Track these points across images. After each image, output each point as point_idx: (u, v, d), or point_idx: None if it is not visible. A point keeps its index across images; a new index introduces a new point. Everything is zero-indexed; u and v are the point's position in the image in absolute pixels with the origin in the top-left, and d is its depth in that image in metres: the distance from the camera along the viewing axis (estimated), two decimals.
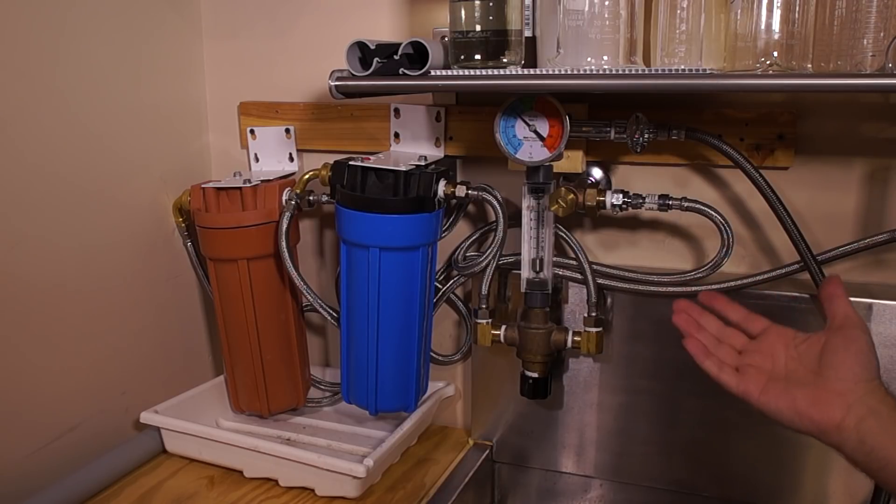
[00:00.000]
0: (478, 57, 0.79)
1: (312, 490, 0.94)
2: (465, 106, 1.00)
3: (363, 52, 0.83)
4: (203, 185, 1.02)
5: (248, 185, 1.00)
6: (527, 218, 0.92)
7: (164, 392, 1.06)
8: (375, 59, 0.81)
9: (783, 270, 0.88)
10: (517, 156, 0.88)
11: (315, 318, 1.18)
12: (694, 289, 0.91)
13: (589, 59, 0.77)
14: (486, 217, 1.05)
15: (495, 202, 0.94)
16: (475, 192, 0.93)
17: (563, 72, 0.76)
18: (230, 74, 1.14)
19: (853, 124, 0.88)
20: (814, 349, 0.69)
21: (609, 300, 0.96)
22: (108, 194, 1.00)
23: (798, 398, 0.66)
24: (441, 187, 0.91)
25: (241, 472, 0.98)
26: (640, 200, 0.88)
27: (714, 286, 0.90)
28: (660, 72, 0.73)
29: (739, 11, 0.72)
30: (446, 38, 0.83)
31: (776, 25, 0.71)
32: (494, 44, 0.79)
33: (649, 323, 0.94)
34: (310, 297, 1.01)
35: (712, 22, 0.75)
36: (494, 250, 0.95)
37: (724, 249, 0.87)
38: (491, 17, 0.78)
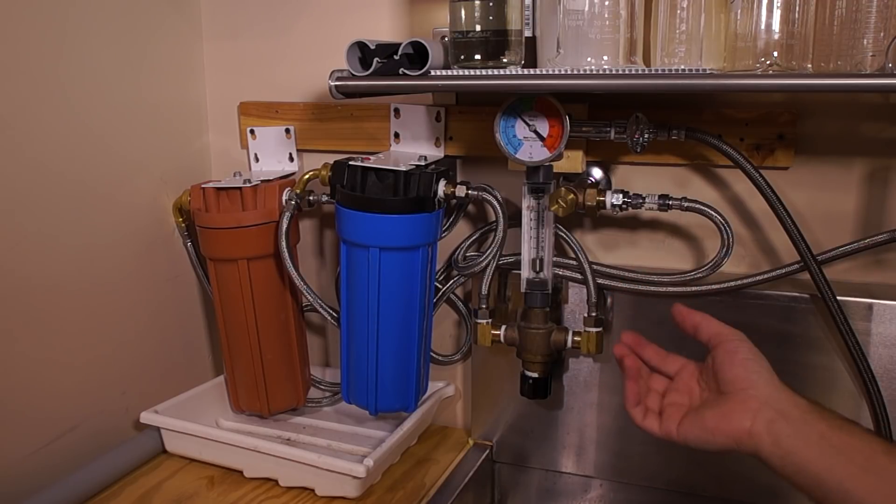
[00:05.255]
0: (478, 57, 0.79)
1: (312, 490, 0.94)
2: (465, 106, 1.00)
3: (363, 52, 0.83)
4: (203, 185, 1.02)
5: (248, 185, 1.00)
6: (527, 218, 0.92)
7: (164, 392, 1.06)
8: (375, 59, 0.81)
9: (783, 270, 0.88)
10: (517, 156, 0.88)
11: (315, 318, 1.18)
12: (694, 289, 0.91)
13: (589, 59, 0.77)
14: (486, 217, 1.05)
15: (495, 202, 0.94)
16: (475, 192, 0.93)
17: (563, 72, 0.76)
18: (230, 74, 1.14)
19: (853, 124, 0.88)
20: (710, 374, 0.70)
21: (609, 300, 0.96)
22: (108, 194, 1.00)
23: (707, 419, 0.67)
24: (441, 187, 0.91)
25: (241, 472, 0.98)
26: (640, 200, 0.88)
27: (714, 286, 0.90)
28: (660, 72, 0.73)
29: (739, 11, 0.72)
30: (446, 38, 0.83)
31: (776, 25, 0.71)
32: (494, 44, 0.79)
33: (649, 323, 0.94)
34: (310, 297, 1.01)
35: (712, 22, 0.75)
36: (494, 250, 0.95)
37: (724, 249, 0.87)
38: (491, 17, 0.78)
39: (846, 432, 0.61)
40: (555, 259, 0.95)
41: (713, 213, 0.87)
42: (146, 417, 1.01)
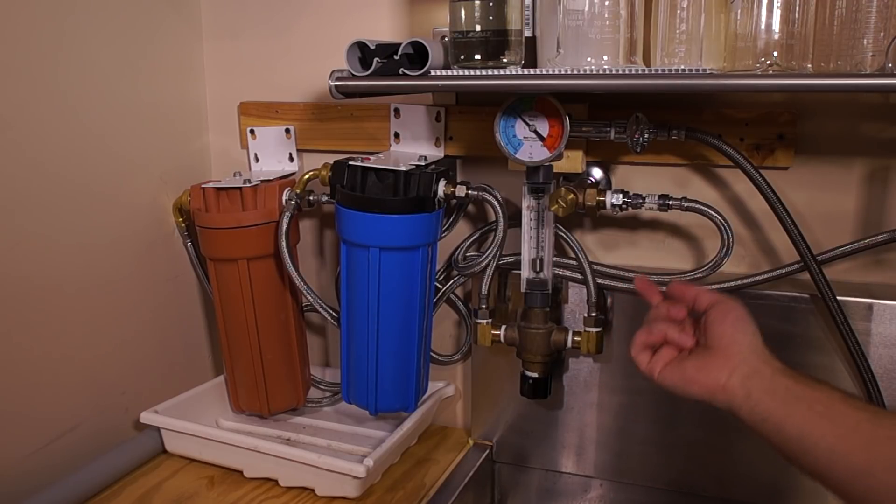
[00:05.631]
0: (478, 57, 0.79)
1: (312, 490, 0.94)
2: (465, 106, 1.00)
3: (363, 52, 0.83)
4: (203, 185, 1.02)
5: (248, 185, 1.00)
6: (527, 218, 0.92)
7: (164, 392, 1.06)
8: (375, 59, 0.81)
9: (783, 270, 0.88)
10: (517, 156, 0.88)
11: (315, 318, 1.18)
12: None
13: (589, 59, 0.77)
14: (486, 217, 1.05)
15: (495, 202, 0.94)
16: (475, 192, 0.93)
17: (563, 72, 0.76)
18: (230, 74, 1.14)
19: (853, 124, 0.88)
20: (702, 331, 0.73)
21: (609, 300, 0.96)
22: (108, 194, 1.00)
23: (687, 368, 0.70)
24: (441, 187, 0.91)
25: (241, 472, 0.98)
26: (640, 200, 0.88)
27: (714, 286, 0.90)
28: (660, 72, 0.73)
29: (739, 11, 0.73)
30: (446, 38, 0.83)
31: (776, 25, 0.72)
32: (494, 44, 0.79)
33: None
34: (310, 297, 1.01)
35: (712, 22, 0.75)
36: (494, 250, 0.95)
37: (724, 249, 0.87)
38: (491, 17, 0.78)
39: (810, 387, 0.65)
40: (555, 259, 0.95)
41: (713, 213, 0.87)
42: (146, 417, 1.01)
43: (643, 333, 0.75)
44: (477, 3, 0.78)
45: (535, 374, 0.95)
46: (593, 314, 0.93)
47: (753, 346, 0.69)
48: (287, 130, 1.10)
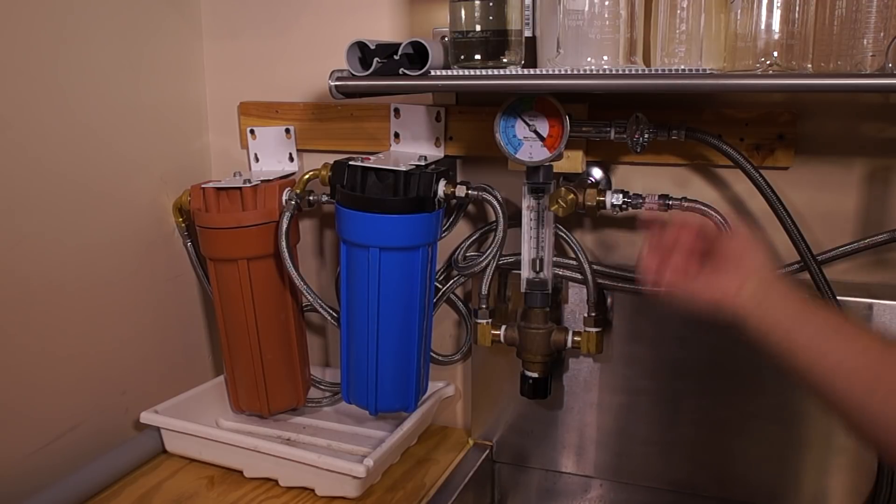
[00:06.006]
0: (478, 57, 0.79)
1: (312, 490, 0.94)
2: (465, 106, 1.00)
3: (363, 52, 0.83)
4: (203, 185, 1.02)
5: (248, 185, 1.00)
6: (527, 218, 0.92)
7: (164, 392, 1.06)
8: (375, 59, 0.81)
9: (783, 270, 0.88)
10: (517, 156, 0.88)
11: (315, 318, 1.18)
12: None
13: (589, 59, 0.77)
14: (486, 217, 1.05)
15: (495, 202, 0.94)
16: (475, 192, 0.93)
17: (563, 72, 0.76)
18: (230, 74, 1.14)
19: (853, 124, 0.88)
20: (713, 251, 0.71)
21: (609, 300, 0.96)
22: (109, 194, 1.00)
23: (696, 280, 0.69)
24: (441, 187, 0.91)
25: (241, 472, 0.98)
26: (640, 200, 0.88)
27: None
28: (660, 72, 0.73)
29: (739, 11, 0.73)
30: (446, 38, 0.83)
31: (776, 25, 0.72)
32: (494, 44, 0.79)
33: (649, 323, 0.94)
34: (310, 297, 1.01)
35: (712, 22, 0.75)
36: (494, 250, 0.95)
37: None
38: (491, 17, 0.78)
39: (825, 305, 0.66)
40: (555, 259, 0.95)
41: (713, 213, 0.87)
42: (146, 417, 1.01)
43: (651, 239, 0.72)
44: (477, 3, 0.78)
45: (535, 374, 0.95)
46: (593, 314, 0.93)
47: (767, 261, 0.68)
48: (287, 130, 1.10)
